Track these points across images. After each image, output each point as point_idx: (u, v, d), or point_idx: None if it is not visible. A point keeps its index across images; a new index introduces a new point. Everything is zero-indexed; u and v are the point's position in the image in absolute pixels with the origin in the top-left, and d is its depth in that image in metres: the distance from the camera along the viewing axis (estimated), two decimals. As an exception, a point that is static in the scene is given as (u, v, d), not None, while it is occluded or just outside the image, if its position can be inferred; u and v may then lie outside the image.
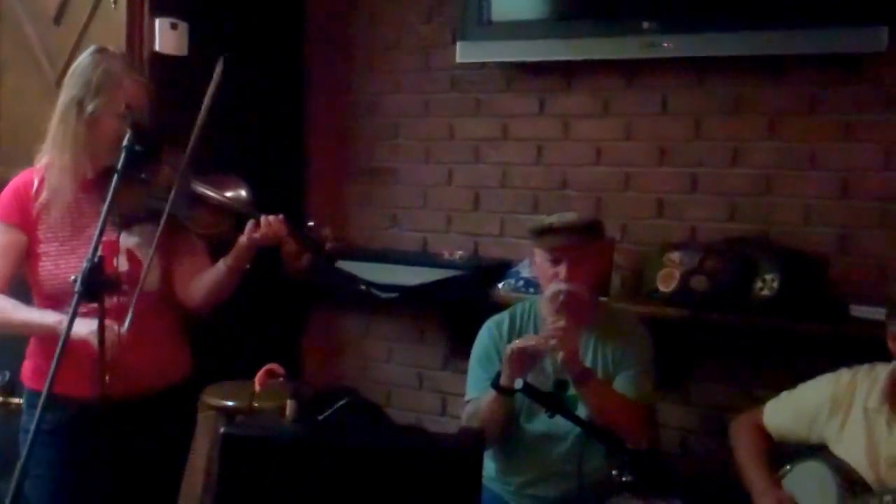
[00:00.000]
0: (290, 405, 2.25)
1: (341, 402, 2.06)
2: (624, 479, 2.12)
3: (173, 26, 3.65)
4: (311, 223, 2.68)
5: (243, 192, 2.69)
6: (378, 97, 4.30)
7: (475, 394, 2.93)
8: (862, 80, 3.37)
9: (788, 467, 2.74)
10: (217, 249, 2.70)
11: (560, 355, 2.70)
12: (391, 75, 4.26)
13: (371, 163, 4.32)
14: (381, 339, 4.37)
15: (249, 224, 2.61)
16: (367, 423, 2.13)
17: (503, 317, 3.06)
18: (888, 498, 2.37)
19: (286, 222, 2.60)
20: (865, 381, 2.62)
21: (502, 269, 3.87)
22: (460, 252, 4.05)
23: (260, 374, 2.44)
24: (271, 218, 2.61)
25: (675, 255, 3.50)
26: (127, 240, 2.60)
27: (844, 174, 3.41)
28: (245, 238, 2.61)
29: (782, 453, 2.79)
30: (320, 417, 2.09)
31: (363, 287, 3.90)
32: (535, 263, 3.01)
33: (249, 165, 2.99)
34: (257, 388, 2.44)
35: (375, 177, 4.31)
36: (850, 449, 2.57)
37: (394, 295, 3.86)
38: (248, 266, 2.64)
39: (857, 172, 3.39)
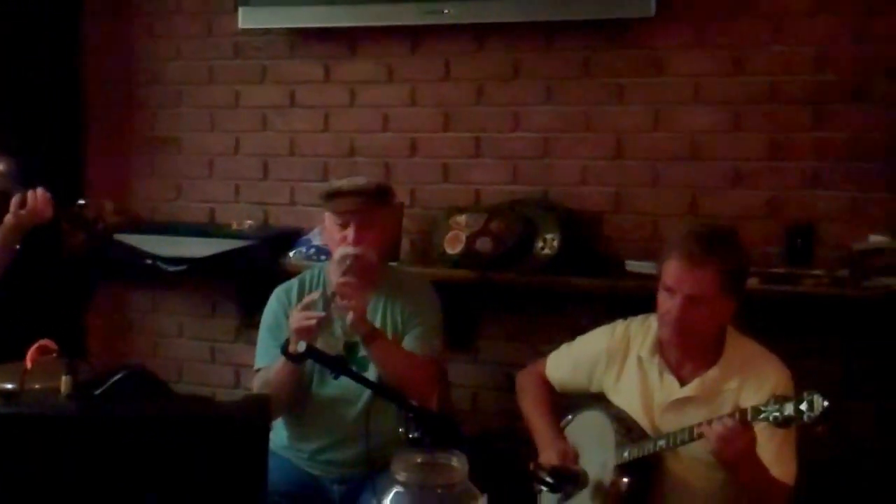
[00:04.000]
0: (64, 381, 2.16)
1: (118, 376, 1.98)
2: (411, 435, 2.14)
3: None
4: (82, 201, 2.57)
5: (1, 166, 2.54)
6: (159, 64, 4.17)
7: (265, 362, 2.90)
8: (632, 44, 3.52)
9: (570, 417, 2.84)
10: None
11: (349, 317, 2.71)
12: (173, 41, 4.14)
13: (154, 132, 4.20)
14: (171, 313, 4.27)
15: (14, 200, 2.48)
16: (148, 395, 2.06)
17: (292, 283, 3.05)
18: (661, 442, 2.49)
19: (51, 200, 2.48)
20: (639, 333, 2.73)
21: (293, 237, 3.85)
22: (249, 222, 4.00)
23: (31, 351, 2.32)
24: (39, 192, 2.48)
25: (461, 218, 3.58)
26: None
27: (617, 135, 3.56)
28: (10, 216, 2.48)
29: (566, 404, 2.90)
30: (97, 392, 2.02)
31: (149, 261, 3.80)
32: (325, 228, 3.01)
33: (19, 136, 2.83)
34: (28, 366, 2.32)
35: (158, 146, 4.19)
36: (627, 397, 2.68)
37: (182, 268, 3.78)
38: (17, 246, 2.51)
39: (629, 134, 3.55)
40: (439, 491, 1.36)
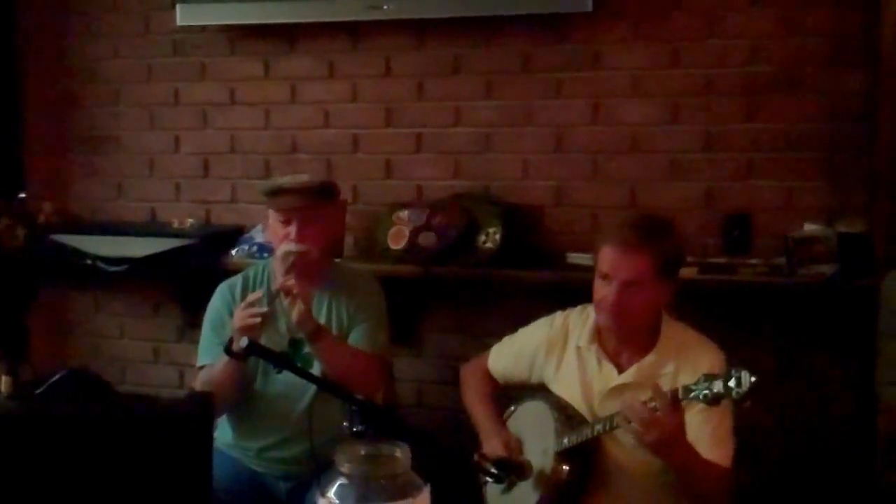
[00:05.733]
0: (4, 381, 2.15)
1: (58, 375, 1.97)
2: (355, 429, 2.15)
3: None
4: (22, 195, 2.54)
5: None
6: (97, 62, 4.12)
7: (208, 360, 2.88)
8: (570, 39, 3.55)
9: (513, 408, 2.87)
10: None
11: (294, 314, 2.71)
12: (110, 39, 4.10)
13: (92, 131, 4.15)
14: (113, 314, 4.23)
15: None
16: (89, 394, 2.06)
17: (236, 280, 3.04)
18: (599, 427, 2.52)
19: None
20: (578, 322, 2.76)
21: (235, 235, 3.84)
22: (191, 220, 3.97)
23: (-29, 353, 2.31)
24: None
25: (404, 214, 3.60)
26: None
27: (557, 129, 3.59)
28: None
29: (509, 396, 2.93)
30: (38, 392, 2.01)
31: (89, 261, 3.76)
32: (269, 225, 3.00)
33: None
34: (-32, 367, 2.30)
35: (97, 145, 4.14)
36: (567, 387, 2.71)
37: (123, 268, 3.74)
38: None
39: (569, 127, 3.58)
40: (383, 482, 1.38)
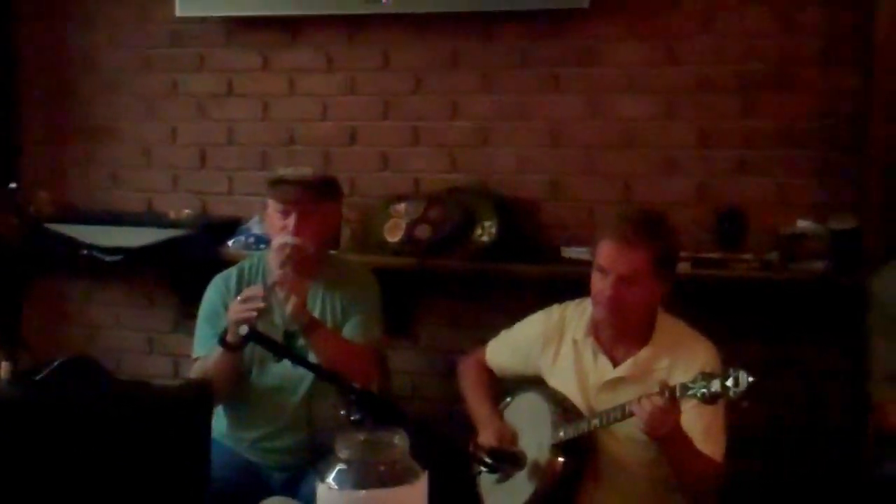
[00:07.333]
0: (3, 367, 2.16)
1: (58, 362, 1.98)
2: (353, 418, 2.17)
3: None
4: (12, 185, 2.54)
5: None
6: (96, 52, 4.12)
7: (203, 352, 2.89)
8: (567, 35, 3.57)
9: (509, 399, 2.89)
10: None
11: (288, 307, 2.72)
12: (109, 29, 4.10)
13: (90, 121, 4.15)
14: (108, 304, 4.23)
15: None
16: (89, 380, 2.06)
17: (231, 272, 3.04)
18: (595, 421, 2.55)
19: None
20: (574, 316, 2.79)
21: (232, 226, 3.85)
22: (187, 211, 3.98)
23: (-32, 339, 2.32)
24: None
25: (401, 206, 3.62)
26: None
27: (553, 124, 3.61)
28: None
29: (506, 388, 2.95)
30: (37, 378, 2.01)
31: (85, 251, 3.76)
32: (267, 215, 3.01)
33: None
34: (-34, 354, 2.31)
35: (95, 135, 4.15)
36: (563, 379, 2.74)
37: (119, 258, 3.74)
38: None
39: (565, 123, 3.60)
40: (381, 468, 1.39)
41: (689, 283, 3.00)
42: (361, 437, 1.46)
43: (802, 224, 3.31)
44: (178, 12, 3.83)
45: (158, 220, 3.94)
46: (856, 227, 3.20)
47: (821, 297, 3.23)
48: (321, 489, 1.41)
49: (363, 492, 1.39)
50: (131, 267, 3.90)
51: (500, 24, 3.62)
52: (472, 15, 3.60)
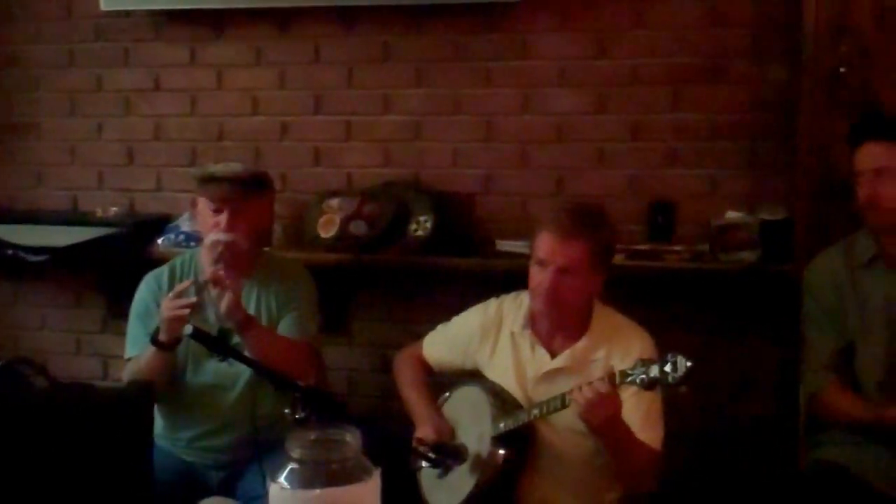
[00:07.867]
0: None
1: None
2: (297, 416, 2.16)
3: None
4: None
5: None
6: (17, 46, 4.01)
7: (136, 351, 2.86)
8: (499, 28, 3.57)
9: (447, 394, 2.90)
10: None
11: (223, 304, 2.69)
12: (31, 23, 3.98)
13: (11, 118, 4.04)
14: (34, 305, 4.13)
15: None
16: (27, 383, 2.02)
17: (162, 270, 3.01)
18: (535, 411, 2.57)
19: None
20: (512, 309, 2.81)
21: (161, 224, 3.79)
22: (114, 209, 3.91)
23: None
24: None
25: (334, 202, 3.59)
26: None
27: (487, 118, 3.61)
28: None
29: (444, 382, 2.95)
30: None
31: (9, 251, 3.66)
32: (198, 212, 2.97)
33: None
34: None
35: (16, 133, 4.04)
36: (501, 372, 2.76)
37: (44, 258, 3.65)
38: None
39: (498, 116, 3.61)
40: (334, 466, 1.37)
41: (623, 274, 3.03)
42: (312, 435, 1.44)
43: (733, 215, 3.36)
44: (103, 6, 3.74)
45: (84, 219, 3.87)
46: (786, 218, 3.26)
47: (751, 286, 3.29)
48: (273, 489, 1.39)
49: (316, 491, 1.37)
50: (57, 266, 3.80)
51: (431, 17, 3.61)
52: (402, 8, 3.59)
